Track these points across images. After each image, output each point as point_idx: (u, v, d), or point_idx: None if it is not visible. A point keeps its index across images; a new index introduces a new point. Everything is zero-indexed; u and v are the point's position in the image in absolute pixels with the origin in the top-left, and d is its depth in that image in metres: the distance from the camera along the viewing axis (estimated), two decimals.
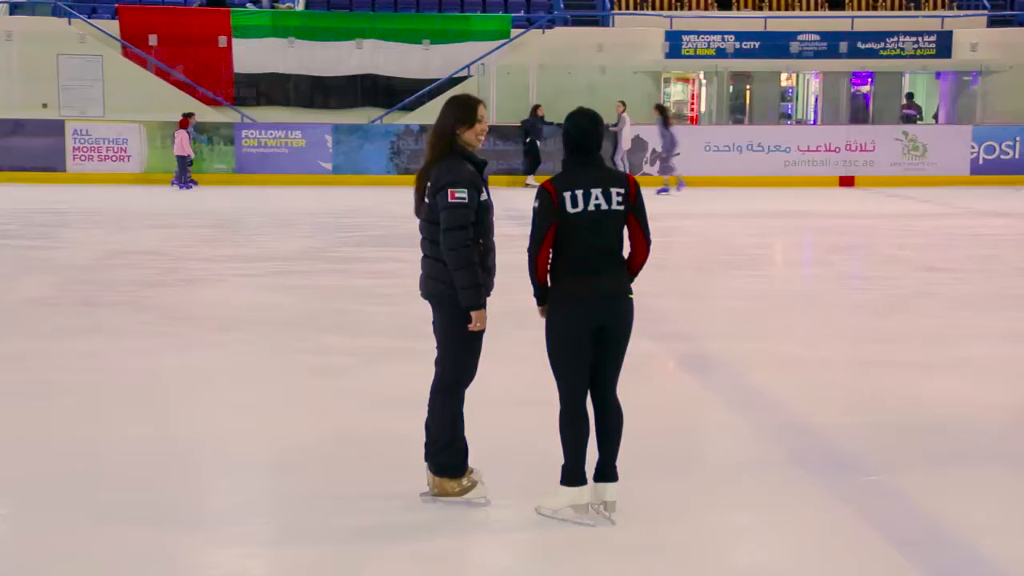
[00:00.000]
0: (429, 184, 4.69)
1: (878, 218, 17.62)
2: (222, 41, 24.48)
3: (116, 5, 24.59)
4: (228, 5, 25.79)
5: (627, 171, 22.16)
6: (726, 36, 24.89)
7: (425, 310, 5.05)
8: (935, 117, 26.62)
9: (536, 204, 4.58)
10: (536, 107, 22.75)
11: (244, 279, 11.20)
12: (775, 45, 24.86)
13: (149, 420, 6.24)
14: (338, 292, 10.47)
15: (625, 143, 22.29)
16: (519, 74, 23.85)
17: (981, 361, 7.71)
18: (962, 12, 26.73)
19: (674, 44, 24.87)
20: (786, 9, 27.02)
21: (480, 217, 4.71)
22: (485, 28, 25.05)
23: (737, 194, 20.10)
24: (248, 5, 25.97)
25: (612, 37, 25.21)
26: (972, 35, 25.17)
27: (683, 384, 7.20)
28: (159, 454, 5.63)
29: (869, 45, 24.91)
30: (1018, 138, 23.41)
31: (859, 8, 27.26)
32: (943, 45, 24.89)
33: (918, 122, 25.81)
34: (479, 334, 4.76)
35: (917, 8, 27.06)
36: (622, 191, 4.61)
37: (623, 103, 22.50)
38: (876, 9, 27.28)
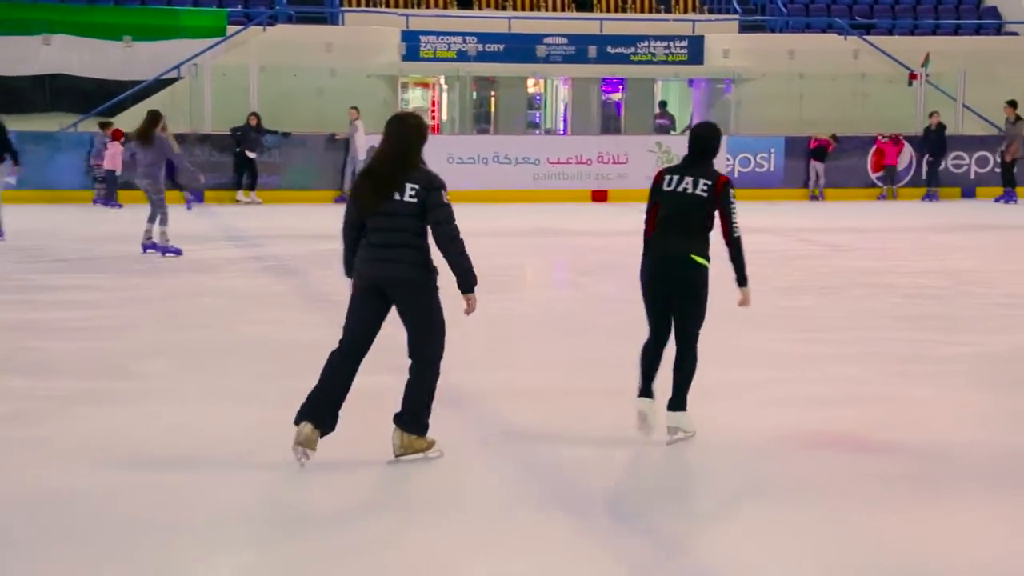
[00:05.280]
0: (417, 186, 6.04)
1: (632, 235, 18.27)
2: None
3: None
4: None
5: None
6: (468, 37, 25.38)
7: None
8: (689, 127, 27.96)
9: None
10: (251, 115, 22.52)
11: None
12: (521, 48, 25.53)
13: None
14: (22, 327, 10.03)
15: (360, 152, 22.33)
16: (237, 76, 23.53)
17: (739, 385, 8.14)
18: (713, 17, 28.24)
19: (411, 45, 25.15)
20: (531, 9, 27.81)
21: None
22: (197, 24, 24.60)
23: (483, 210, 20.45)
24: None
25: (342, 36, 25.27)
26: (724, 41, 26.64)
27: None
28: None
29: (619, 50, 25.95)
30: (772, 150, 24.90)
31: (608, 10, 28.38)
32: (695, 51, 26.23)
33: (672, 132, 27.06)
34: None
35: (667, 11, 28.41)
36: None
37: (356, 109, 22.57)
38: (626, 12, 28.47)
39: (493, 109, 28.12)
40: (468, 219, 21.92)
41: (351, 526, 5.31)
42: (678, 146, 24.88)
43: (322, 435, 5.99)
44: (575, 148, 24.36)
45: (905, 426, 7.22)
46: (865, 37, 27.22)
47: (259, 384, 7.94)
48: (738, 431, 7.01)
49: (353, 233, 6.20)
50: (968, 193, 24.93)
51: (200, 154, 22.46)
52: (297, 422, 6.00)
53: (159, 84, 23.78)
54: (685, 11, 28.58)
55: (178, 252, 14.37)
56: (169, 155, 14.49)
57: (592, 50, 25.81)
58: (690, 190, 6.46)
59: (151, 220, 14.50)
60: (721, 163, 24.53)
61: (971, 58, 26.02)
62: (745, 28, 28.02)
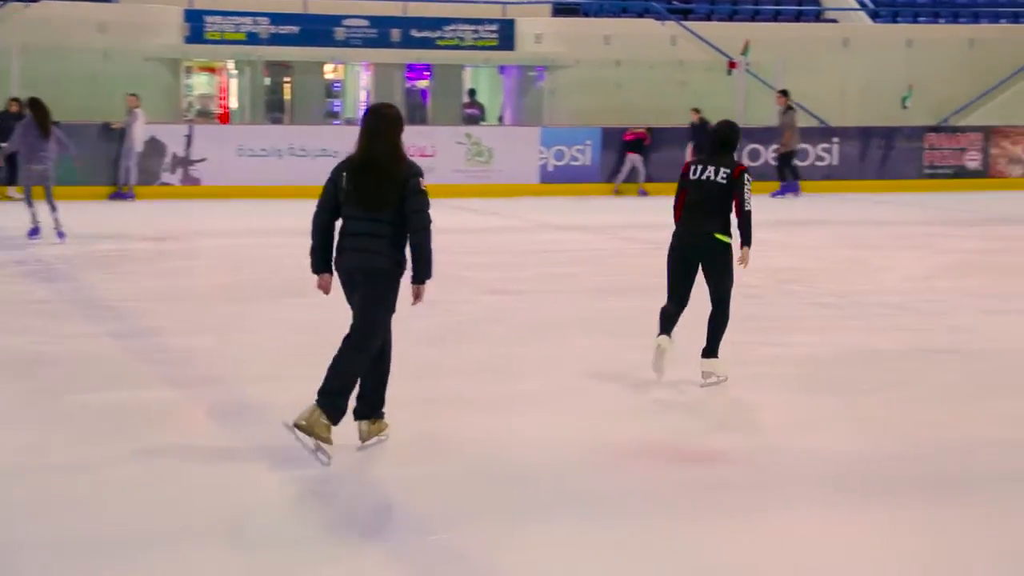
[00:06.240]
0: (402, 178, 6.48)
1: (439, 233, 18.29)
2: None
3: None
4: None
5: (133, 179, 21.73)
6: (259, 18, 25.06)
7: None
8: (500, 118, 28.18)
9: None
10: (11, 100, 21.74)
11: None
12: (317, 31, 25.34)
13: None
14: None
15: (137, 144, 21.77)
16: None
17: (556, 395, 8.19)
18: None
19: (195, 26, 24.70)
20: None
21: None
22: None
23: (277, 207, 20.17)
24: None
25: (117, 15, 24.67)
26: (536, 25, 26.92)
27: (212, 438, 7.10)
28: None
29: (425, 33, 25.98)
30: (589, 142, 25.22)
31: None
32: (506, 35, 26.43)
33: (482, 123, 27.21)
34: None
35: None
36: None
37: (135, 96, 22.01)
38: None
39: (288, 97, 27.80)
40: (259, 217, 21.65)
41: (135, 554, 5.15)
42: (489, 137, 25.02)
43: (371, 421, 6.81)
44: None
45: (727, 431, 7.36)
46: (683, 23, 27.86)
47: (18, 403, 7.63)
48: (552, 442, 7.03)
49: (325, 217, 6.63)
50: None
51: None
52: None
53: None
54: None
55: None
56: (63, 143, 15.94)
57: (395, 33, 25.76)
58: (712, 177, 8.15)
59: (52, 206, 15.64)
60: (534, 157, 24.77)
61: (791, 46, 26.90)
62: (558, 11, 28.32)
